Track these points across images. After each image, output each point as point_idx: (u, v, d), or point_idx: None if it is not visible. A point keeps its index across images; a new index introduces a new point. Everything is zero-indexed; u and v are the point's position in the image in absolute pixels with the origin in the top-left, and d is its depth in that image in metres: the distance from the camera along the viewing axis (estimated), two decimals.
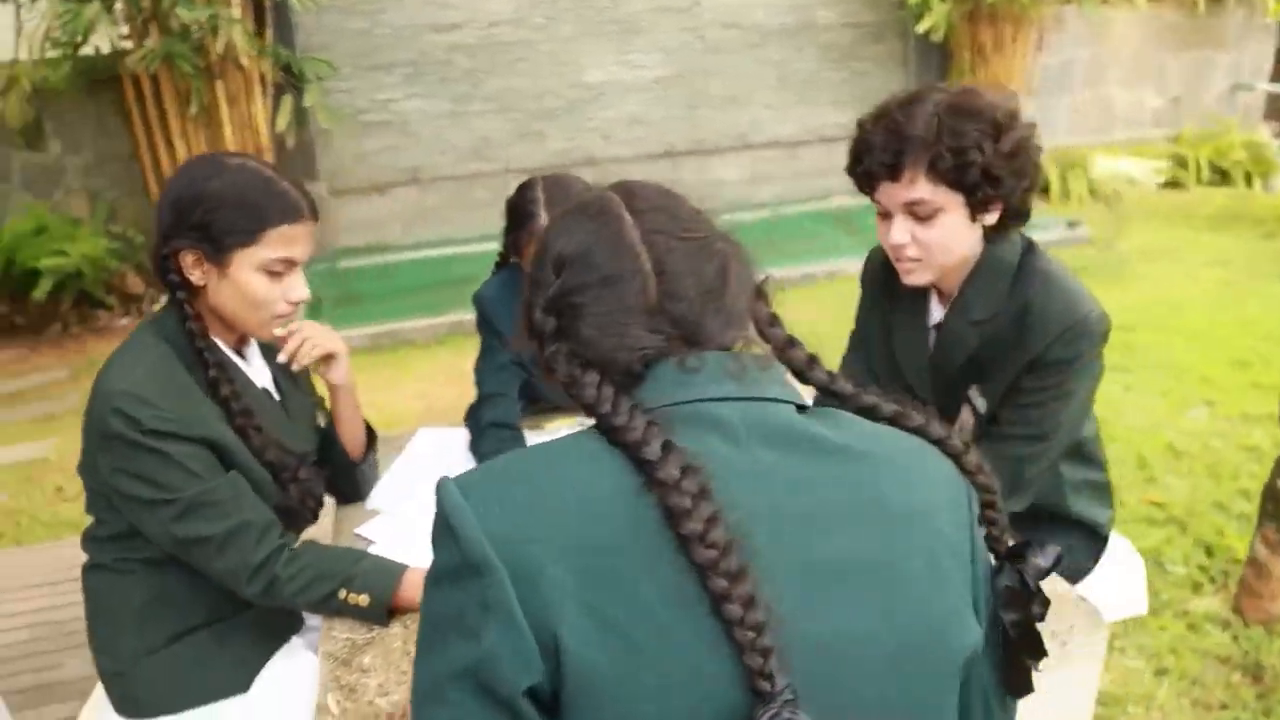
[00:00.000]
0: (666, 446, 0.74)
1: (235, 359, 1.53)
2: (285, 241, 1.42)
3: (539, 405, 2.14)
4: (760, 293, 0.92)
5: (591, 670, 0.69)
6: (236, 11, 5.26)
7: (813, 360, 0.92)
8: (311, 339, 1.55)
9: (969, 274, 1.47)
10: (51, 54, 5.76)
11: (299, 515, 1.58)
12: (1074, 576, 1.64)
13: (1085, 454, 1.58)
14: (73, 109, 6.11)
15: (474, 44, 6.77)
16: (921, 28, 6.84)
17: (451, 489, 0.76)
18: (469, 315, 2.09)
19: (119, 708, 1.53)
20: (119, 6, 5.35)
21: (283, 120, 6.11)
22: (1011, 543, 0.90)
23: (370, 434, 1.79)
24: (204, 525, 1.38)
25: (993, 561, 0.89)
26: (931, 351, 1.55)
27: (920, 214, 1.38)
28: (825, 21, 7.35)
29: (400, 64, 6.74)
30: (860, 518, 0.78)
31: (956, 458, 0.88)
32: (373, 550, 1.54)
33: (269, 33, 5.99)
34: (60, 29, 5.43)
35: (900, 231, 1.41)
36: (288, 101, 6.12)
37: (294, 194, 1.43)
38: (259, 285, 1.41)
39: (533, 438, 2.01)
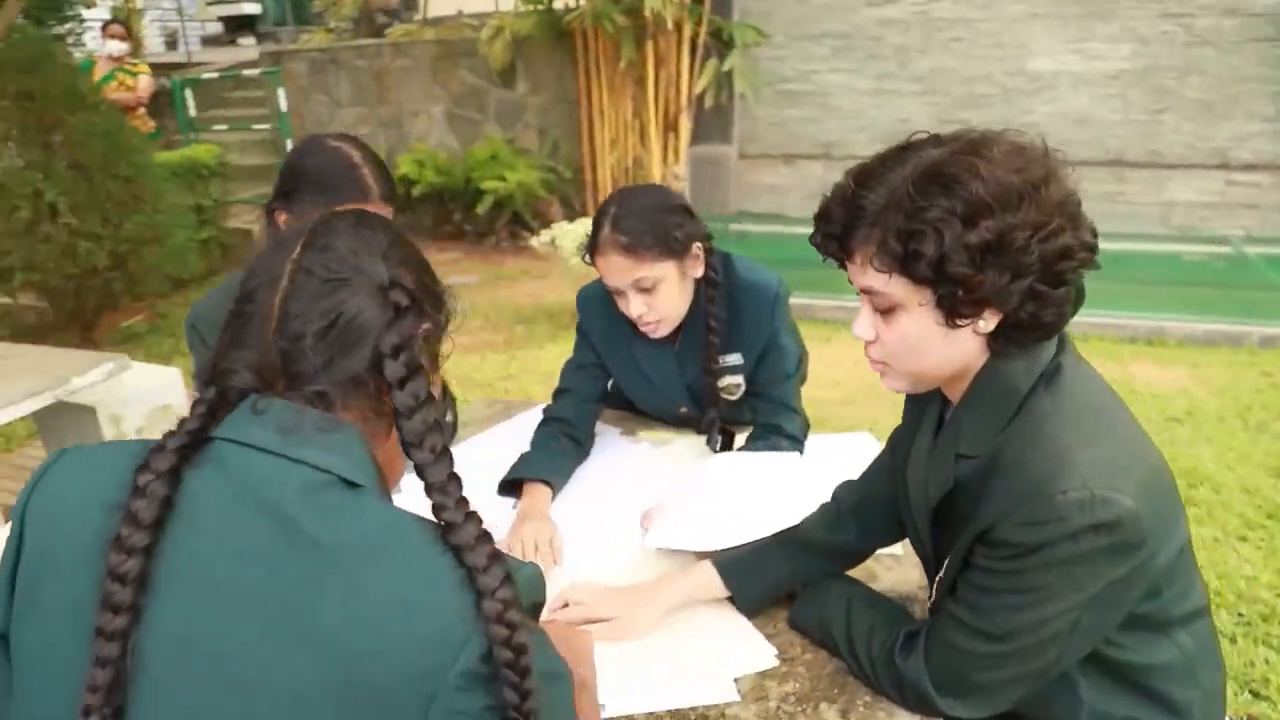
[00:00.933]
0: (163, 475, 0.75)
1: None
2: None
3: (638, 412, 2.04)
4: (403, 348, 0.80)
5: (16, 643, 0.76)
6: None
7: (428, 432, 0.80)
8: None
9: (965, 393, 1.08)
10: (525, 8, 6.63)
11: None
12: None
13: (1136, 683, 1.08)
14: (540, 56, 6.97)
15: (907, 19, 6.38)
16: None
17: (57, 454, 0.83)
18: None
19: None
20: None
21: (703, 81, 6.37)
22: None
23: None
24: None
25: None
26: (925, 475, 1.18)
27: (877, 306, 1.04)
28: None
29: (830, 35, 6.61)
30: (273, 618, 0.71)
31: (479, 595, 0.72)
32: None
33: None
34: None
35: (862, 324, 1.08)
36: (711, 65, 6.35)
37: (368, 179, 1.58)
38: None
39: (625, 445, 1.93)
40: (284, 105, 6.98)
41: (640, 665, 1.23)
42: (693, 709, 1.15)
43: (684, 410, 1.90)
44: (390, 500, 0.84)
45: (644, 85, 6.32)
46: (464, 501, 0.77)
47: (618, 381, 1.92)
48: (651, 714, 1.14)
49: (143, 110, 6.46)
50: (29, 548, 0.77)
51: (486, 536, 0.75)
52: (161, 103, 7.37)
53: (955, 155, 0.97)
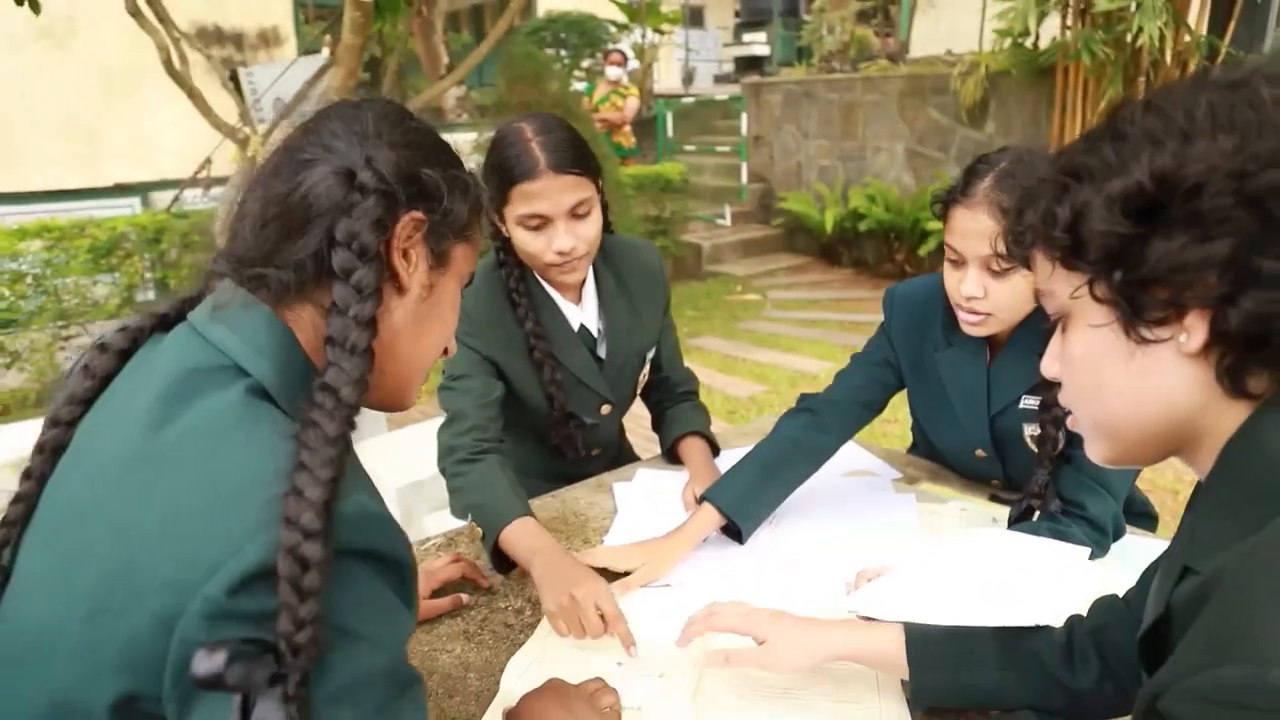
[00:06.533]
0: (111, 352, 0.76)
1: (558, 298, 1.61)
2: (527, 198, 1.45)
3: (936, 461, 1.74)
4: (356, 235, 0.72)
5: None
6: (1160, 0, 4.77)
7: (354, 328, 0.71)
8: None
9: (1207, 474, 0.71)
10: (1004, 42, 6.20)
11: (561, 453, 1.71)
12: None
13: None
14: (1015, 94, 6.47)
15: None
16: None
17: None
18: None
19: None
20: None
21: None
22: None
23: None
24: (444, 398, 1.57)
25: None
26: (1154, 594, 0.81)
27: (1055, 319, 0.77)
28: None
29: None
30: (111, 493, 0.67)
31: (290, 493, 0.62)
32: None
33: (1231, 26, 5.27)
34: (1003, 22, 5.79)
35: (1048, 355, 0.81)
36: None
37: (534, 151, 1.44)
38: (522, 238, 1.49)
39: (884, 488, 1.67)
40: (744, 131, 7.34)
41: (758, 706, 1.03)
42: None
43: (980, 454, 1.57)
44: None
45: None
46: (343, 409, 0.67)
47: (912, 400, 1.65)
48: None
49: (627, 127, 7.24)
50: None
51: (336, 450, 0.64)
52: (652, 124, 8.20)
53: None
